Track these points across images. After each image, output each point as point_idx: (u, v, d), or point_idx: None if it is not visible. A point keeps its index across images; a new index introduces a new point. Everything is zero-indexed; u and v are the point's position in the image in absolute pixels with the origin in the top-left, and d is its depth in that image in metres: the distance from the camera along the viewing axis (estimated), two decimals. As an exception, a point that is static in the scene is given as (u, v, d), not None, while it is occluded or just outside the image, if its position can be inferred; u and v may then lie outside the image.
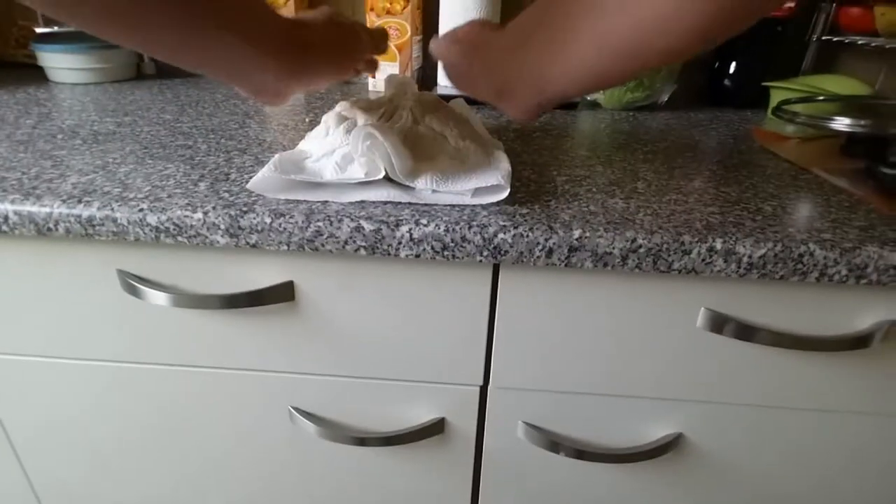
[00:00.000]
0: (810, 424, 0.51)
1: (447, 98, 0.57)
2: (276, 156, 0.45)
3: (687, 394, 0.50)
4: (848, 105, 0.70)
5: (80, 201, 0.42)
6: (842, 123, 0.56)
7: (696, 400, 0.51)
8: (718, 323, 0.45)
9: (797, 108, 0.65)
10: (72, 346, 0.52)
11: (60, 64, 0.81)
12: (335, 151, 0.45)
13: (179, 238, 0.42)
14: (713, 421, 0.52)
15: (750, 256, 0.40)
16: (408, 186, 0.44)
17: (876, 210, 0.46)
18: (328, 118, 0.50)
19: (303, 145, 0.50)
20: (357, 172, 0.43)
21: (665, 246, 0.40)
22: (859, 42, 0.76)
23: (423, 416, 0.54)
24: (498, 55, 0.39)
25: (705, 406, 0.51)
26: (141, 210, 0.41)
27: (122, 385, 0.55)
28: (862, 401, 0.49)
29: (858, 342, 0.44)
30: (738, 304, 0.45)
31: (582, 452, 0.52)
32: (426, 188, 0.44)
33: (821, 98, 0.69)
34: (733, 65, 0.82)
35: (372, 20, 0.81)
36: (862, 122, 0.55)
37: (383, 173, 0.43)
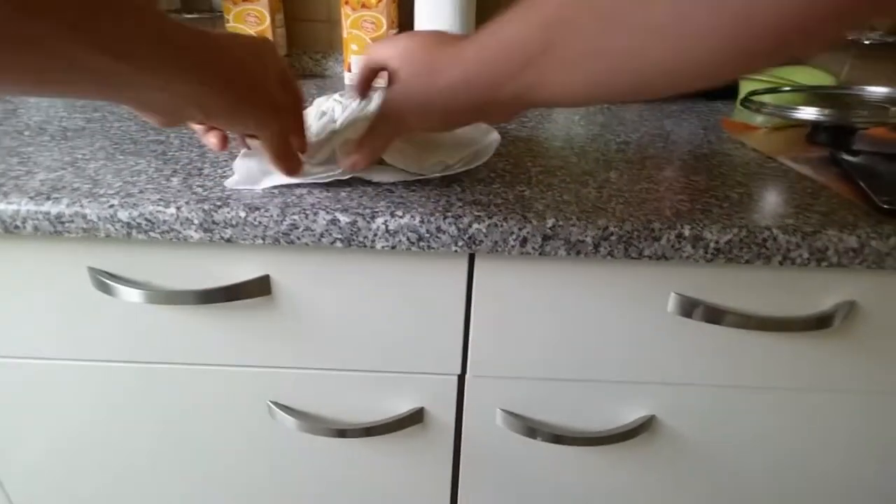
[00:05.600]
0: (778, 403, 0.53)
1: None
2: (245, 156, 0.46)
3: (658, 377, 0.52)
4: (813, 95, 0.72)
5: (48, 198, 0.41)
6: (806, 113, 0.57)
7: (667, 383, 0.52)
8: (688, 307, 0.46)
9: (764, 98, 0.67)
10: (42, 346, 0.51)
11: (26, 58, 0.79)
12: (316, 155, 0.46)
13: (152, 234, 0.41)
14: (684, 402, 0.54)
15: (717, 242, 0.41)
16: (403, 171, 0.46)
17: (837, 196, 0.47)
18: (308, 115, 0.51)
19: None
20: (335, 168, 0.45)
21: (636, 233, 0.41)
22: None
23: (402, 406, 0.55)
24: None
25: (676, 388, 0.53)
26: (112, 206, 0.41)
27: (95, 384, 0.54)
28: (827, 379, 0.51)
29: (821, 322, 0.45)
30: (707, 289, 0.46)
31: (559, 437, 0.54)
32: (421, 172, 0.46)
33: (787, 88, 0.70)
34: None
35: (347, 13, 0.80)
36: (825, 112, 0.56)
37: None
